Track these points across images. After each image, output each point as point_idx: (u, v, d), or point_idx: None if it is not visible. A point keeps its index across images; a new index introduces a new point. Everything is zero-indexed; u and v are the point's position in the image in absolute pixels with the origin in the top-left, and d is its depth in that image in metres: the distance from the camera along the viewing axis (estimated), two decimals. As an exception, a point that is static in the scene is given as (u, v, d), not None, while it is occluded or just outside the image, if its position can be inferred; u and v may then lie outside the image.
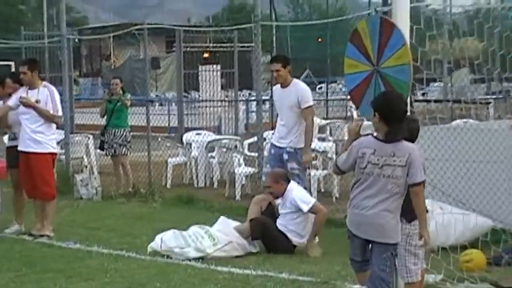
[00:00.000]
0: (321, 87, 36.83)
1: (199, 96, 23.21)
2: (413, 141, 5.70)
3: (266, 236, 8.46)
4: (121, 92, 12.77)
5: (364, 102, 6.43)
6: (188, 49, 22.92)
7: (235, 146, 13.60)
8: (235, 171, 12.24)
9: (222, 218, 8.89)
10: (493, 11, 8.93)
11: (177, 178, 13.73)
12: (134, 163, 13.34)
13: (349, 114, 24.84)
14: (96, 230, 9.88)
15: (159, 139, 14.64)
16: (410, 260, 5.85)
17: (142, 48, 33.39)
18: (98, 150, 13.45)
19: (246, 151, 13.40)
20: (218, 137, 15.14)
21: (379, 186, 5.42)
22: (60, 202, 10.48)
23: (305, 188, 9.03)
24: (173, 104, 24.11)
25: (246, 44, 25.13)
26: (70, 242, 9.03)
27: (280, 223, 8.54)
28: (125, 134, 12.69)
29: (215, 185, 13.27)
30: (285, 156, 9.11)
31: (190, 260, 8.05)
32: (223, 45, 23.86)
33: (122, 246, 8.73)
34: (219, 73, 22.05)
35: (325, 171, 12.16)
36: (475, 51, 8.48)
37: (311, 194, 10.16)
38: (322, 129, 16.96)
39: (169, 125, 21.92)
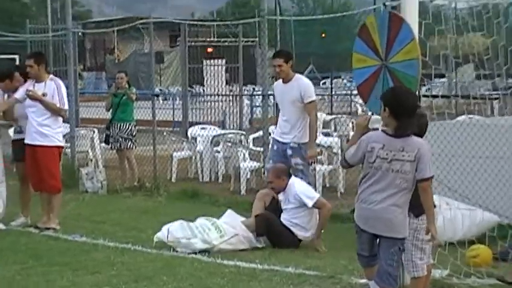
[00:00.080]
0: (324, 83, 36.82)
1: (203, 90, 23.19)
2: (422, 136, 5.71)
3: (271, 232, 8.45)
4: (127, 86, 12.78)
5: (372, 97, 6.44)
6: (193, 43, 22.94)
7: (240, 141, 13.61)
8: (240, 165, 12.24)
9: (229, 210, 8.90)
10: (498, 7, 8.92)
11: (182, 172, 13.73)
12: (139, 157, 13.35)
13: (353, 109, 24.84)
14: (102, 223, 9.89)
15: (165, 133, 14.65)
16: (416, 255, 5.85)
17: (147, 43, 33.66)
18: (103, 144, 13.46)
19: (251, 145, 13.40)
20: (223, 131, 15.16)
21: (387, 181, 5.42)
22: (66, 195, 10.48)
23: (309, 184, 9.01)
24: (177, 98, 24.11)
25: (250, 39, 25.13)
26: (76, 235, 9.04)
27: (284, 218, 8.52)
28: (130, 128, 12.69)
29: (220, 180, 13.27)
30: (289, 152, 9.10)
31: (196, 254, 8.06)
32: (227, 39, 23.82)
33: (127, 239, 8.74)
34: (223, 68, 22.03)
35: (331, 166, 12.16)
36: (482, 47, 8.46)
37: (316, 189, 10.16)
38: (326, 124, 16.96)
39: (173, 119, 21.94)
